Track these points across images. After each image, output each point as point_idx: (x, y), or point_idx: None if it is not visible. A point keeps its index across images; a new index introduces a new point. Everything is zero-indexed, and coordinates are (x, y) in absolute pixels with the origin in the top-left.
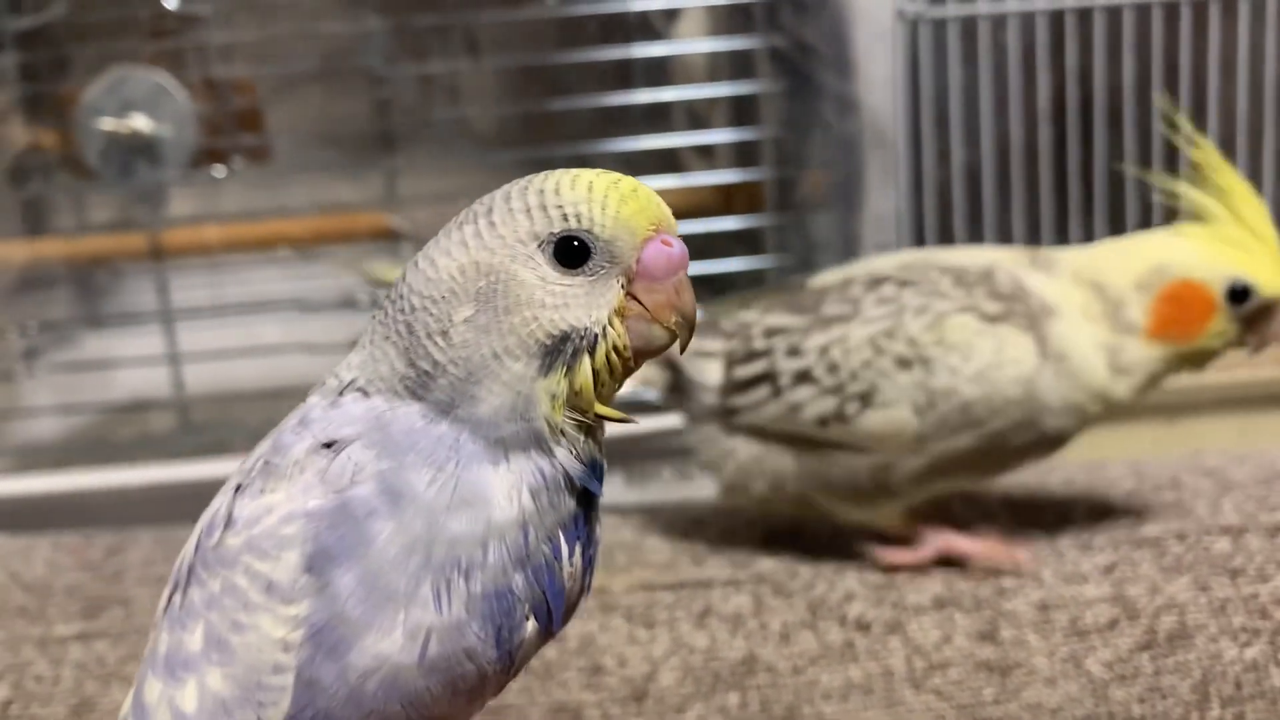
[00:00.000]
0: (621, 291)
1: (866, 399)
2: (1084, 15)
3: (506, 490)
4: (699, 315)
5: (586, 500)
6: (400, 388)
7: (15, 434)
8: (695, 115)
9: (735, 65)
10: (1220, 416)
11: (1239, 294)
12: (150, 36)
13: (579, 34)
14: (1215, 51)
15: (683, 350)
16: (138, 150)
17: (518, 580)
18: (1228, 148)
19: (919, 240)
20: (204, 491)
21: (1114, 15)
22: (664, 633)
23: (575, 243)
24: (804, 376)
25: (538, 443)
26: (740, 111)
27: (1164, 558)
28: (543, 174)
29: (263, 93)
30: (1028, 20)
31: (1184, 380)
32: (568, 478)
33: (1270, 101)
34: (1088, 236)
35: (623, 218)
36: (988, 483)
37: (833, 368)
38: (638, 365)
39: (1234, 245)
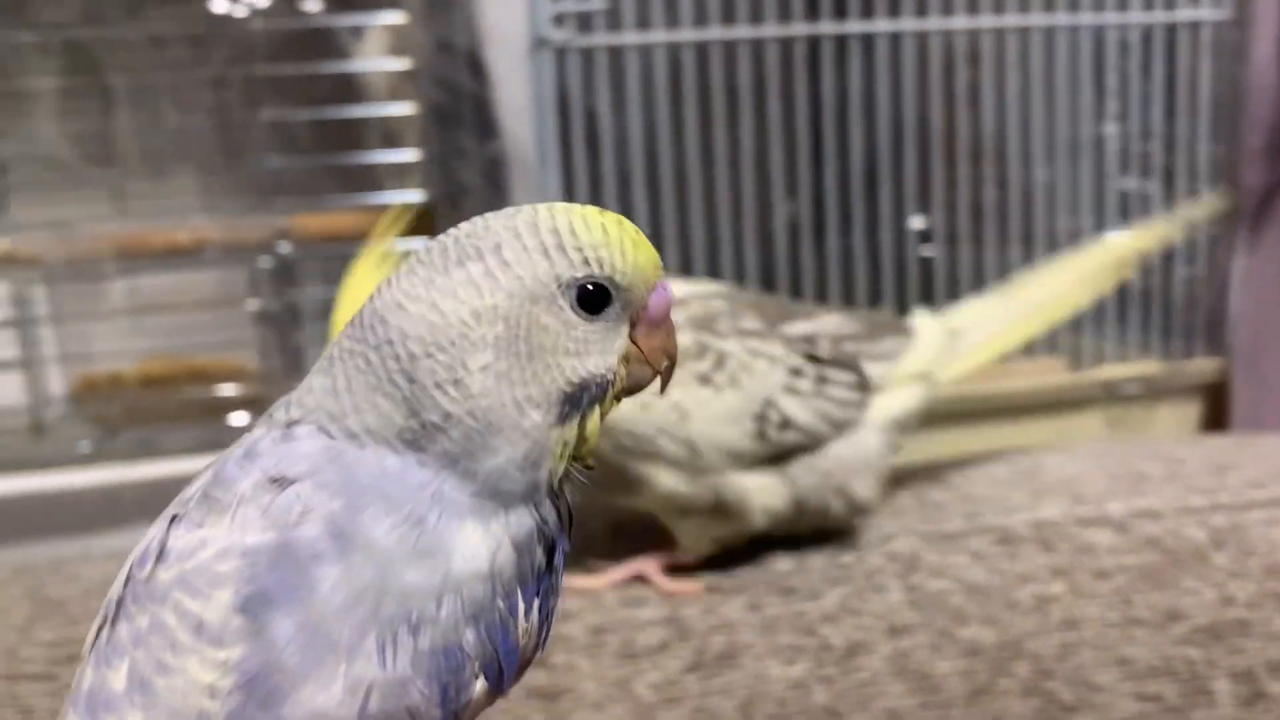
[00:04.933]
0: (629, 336)
1: None
2: (729, 47)
3: (484, 543)
4: None
5: (551, 552)
6: (397, 441)
7: None
8: (389, 135)
9: (412, 87)
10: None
11: None
12: None
13: (202, 49)
14: (857, 85)
15: (663, 391)
16: None
17: (469, 637)
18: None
19: None
20: None
21: (758, 47)
22: None
23: (597, 288)
24: None
25: (535, 494)
26: (424, 134)
27: (727, 579)
28: (542, 209)
29: None
30: (674, 50)
31: None
32: (542, 532)
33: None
34: (737, 251)
35: (639, 265)
36: None
37: None
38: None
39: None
